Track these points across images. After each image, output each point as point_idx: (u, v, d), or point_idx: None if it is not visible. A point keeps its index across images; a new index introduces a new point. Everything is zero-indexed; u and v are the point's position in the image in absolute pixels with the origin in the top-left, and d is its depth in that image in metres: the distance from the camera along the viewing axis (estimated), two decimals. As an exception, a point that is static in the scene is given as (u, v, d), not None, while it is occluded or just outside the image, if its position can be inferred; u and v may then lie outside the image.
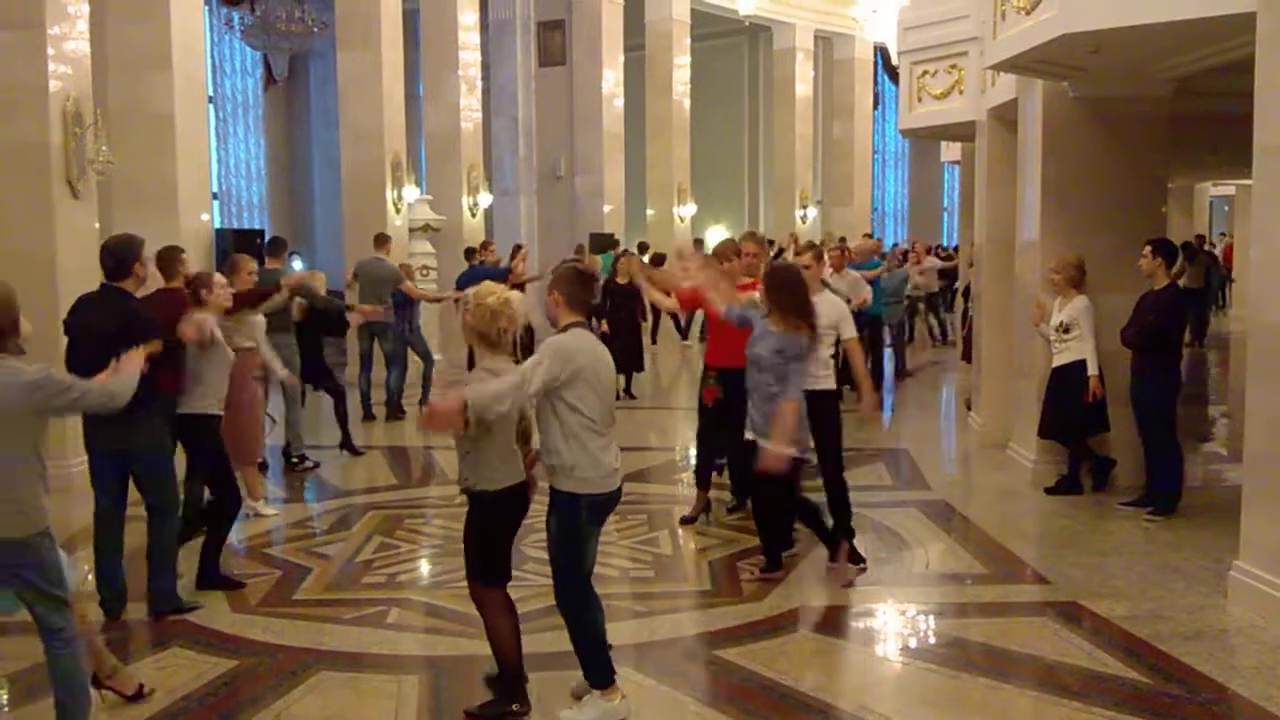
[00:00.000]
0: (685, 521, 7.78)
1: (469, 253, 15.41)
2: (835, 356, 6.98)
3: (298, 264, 16.30)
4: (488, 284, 4.84)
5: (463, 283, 13.82)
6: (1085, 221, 8.58)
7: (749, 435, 6.30)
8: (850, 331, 6.80)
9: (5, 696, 5.17)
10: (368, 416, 12.16)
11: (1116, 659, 5.35)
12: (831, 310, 6.73)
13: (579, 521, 4.63)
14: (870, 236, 20.94)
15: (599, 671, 4.70)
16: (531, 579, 6.58)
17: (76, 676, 4.39)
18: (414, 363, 12.79)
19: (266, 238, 13.11)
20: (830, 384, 6.80)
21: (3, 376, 4.12)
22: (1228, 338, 20.71)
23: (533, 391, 4.43)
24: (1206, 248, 22.69)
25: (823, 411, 6.58)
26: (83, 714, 4.40)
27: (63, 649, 4.33)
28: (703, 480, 7.94)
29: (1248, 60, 6.00)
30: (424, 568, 7.17)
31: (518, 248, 14.67)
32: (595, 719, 4.66)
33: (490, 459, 4.62)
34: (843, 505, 6.87)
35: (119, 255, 5.86)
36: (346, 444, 10.30)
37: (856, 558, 6.68)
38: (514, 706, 4.78)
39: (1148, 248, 7.86)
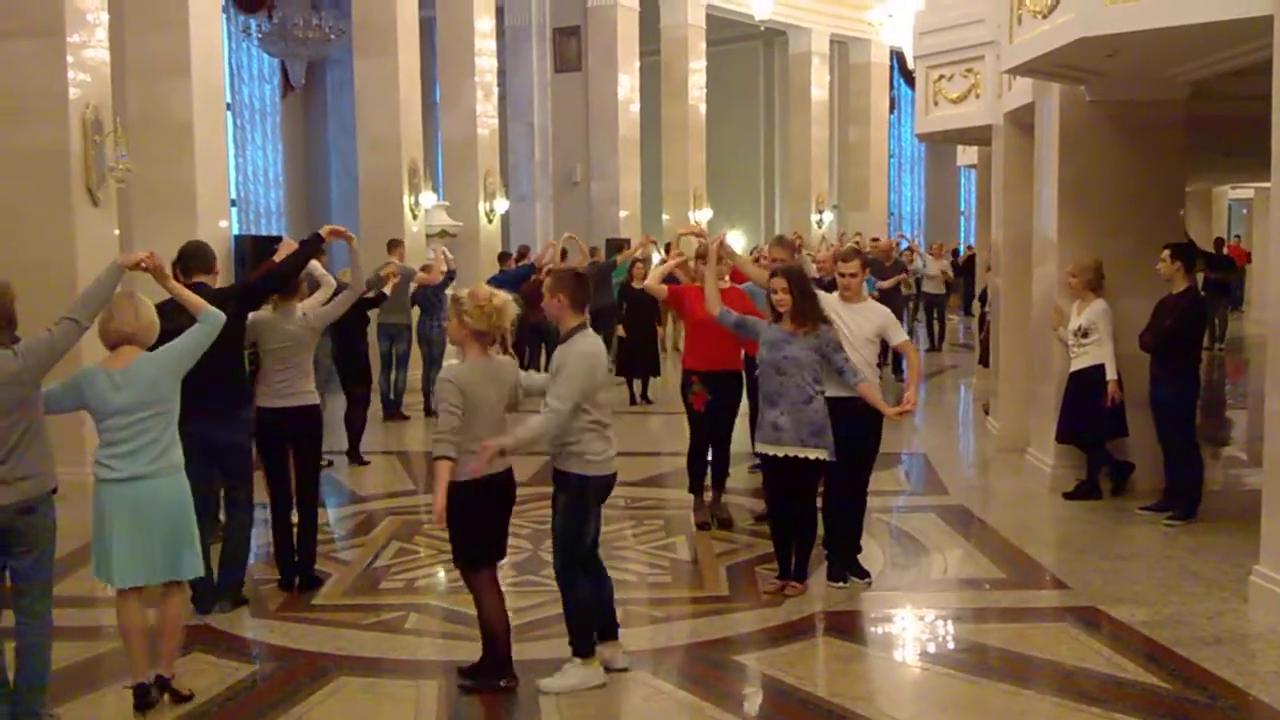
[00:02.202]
0: (702, 528, 7.77)
1: (503, 257, 16.19)
2: (883, 364, 7.01)
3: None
4: (485, 286, 5.26)
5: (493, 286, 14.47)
6: (1103, 225, 8.56)
7: (773, 450, 6.18)
8: (900, 336, 6.58)
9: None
10: (389, 417, 12.32)
11: (1136, 664, 5.33)
12: (875, 318, 6.51)
13: (586, 500, 5.11)
14: (876, 241, 20.66)
15: (581, 640, 5.09)
16: (551, 584, 6.58)
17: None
18: (415, 367, 12.94)
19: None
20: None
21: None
22: (1241, 340, 20.63)
23: (569, 411, 4.88)
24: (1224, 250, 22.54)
25: (865, 421, 6.36)
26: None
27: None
28: (701, 485, 7.91)
29: (1265, 63, 5.99)
30: (442, 573, 7.16)
31: (550, 246, 15.09)
32: (574, 684, 5.02)
33: (470, 449, 4.83)
34: (856, 522, 6.67)
35: (203, 253, 6.25)
36: (353, 453, 10.32)
37: (861, 572, 6.57)
38: (501, 681, 5.07)
39: (1166, 251, 7.84)
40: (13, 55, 9.01)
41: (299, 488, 6.60)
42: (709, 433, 7.80)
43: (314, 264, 7.12)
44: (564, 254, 14.93)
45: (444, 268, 13.30)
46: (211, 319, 5.09)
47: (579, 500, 5.08)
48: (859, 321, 6.39)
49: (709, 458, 7.91)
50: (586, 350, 4.97)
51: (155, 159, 10.64)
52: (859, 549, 6.66)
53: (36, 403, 4.63)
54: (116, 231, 9.73)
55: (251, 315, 6.37)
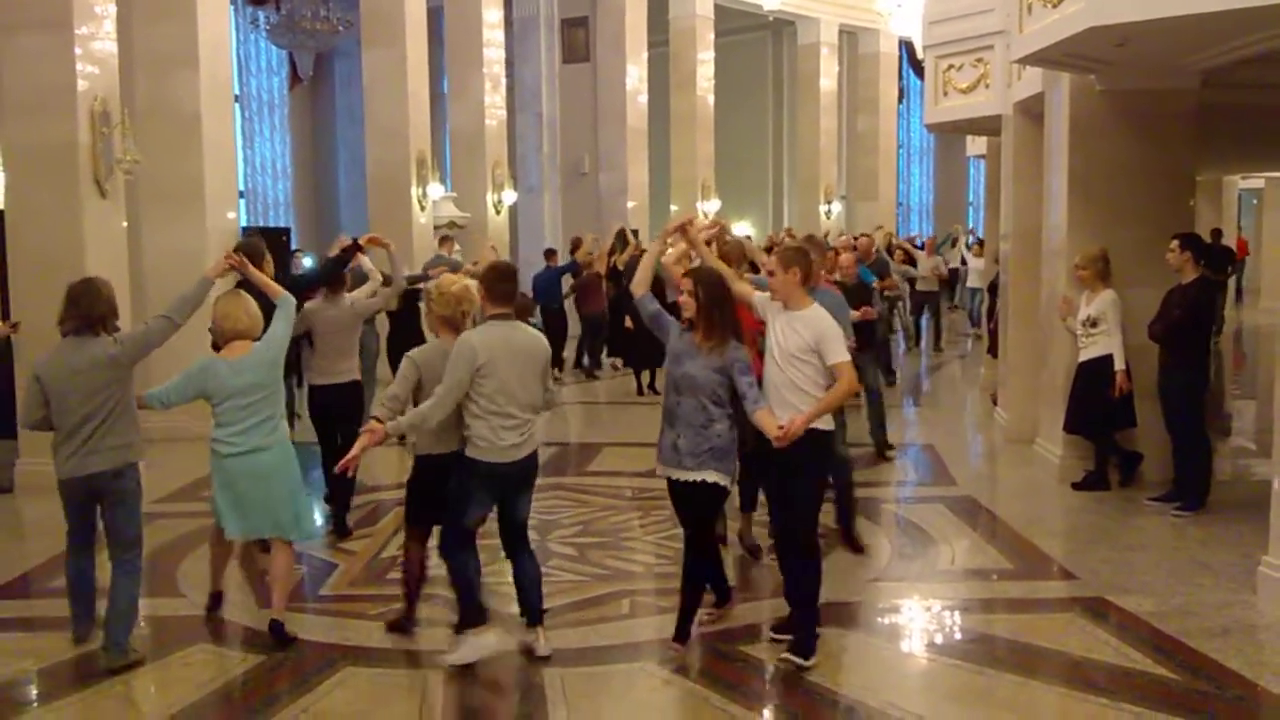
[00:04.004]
0: (752, 552, 6.91)
1: (549, 253, 16.76)
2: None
3: (308, 261, 16.38)
4: (448, 275, 5.84)
5: (539, 282, 15.58)
6: (1112, 215, 8.53)
7: (670, 473, 5.36)
8: (836, 356, 5.16)
9: (34, 692, 5.23)
10: None
11: (1144, 655, 5.32)
12: (809, 330, 5.21)
13: (471, 482, 5.25)
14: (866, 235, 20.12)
15: (466, 611, 5.33)
16: (558, 575, 6.62)
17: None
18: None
19: (293, 235, 13.37)
20: (827, 421, 5.30)
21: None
22: (1238, 330, 20.56)
23: (446, 400, 5.12)
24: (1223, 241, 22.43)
25: (796, 459, 5.19)
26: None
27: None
28: (752, 501, 6.91)
29: (1277, 52, 5.96)
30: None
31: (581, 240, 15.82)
32: (468, 655, 5.24)
33: (426, 432, 5.39)
34: (805, 589, 5.36)
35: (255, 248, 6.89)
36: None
37: (803, 652, 5.24)
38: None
39: (1175, 242, 7.81)
40: (21, 48, 9.03)
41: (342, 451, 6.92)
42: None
43: (363, 260, 7.96)
44: (613, 246, 15.25)
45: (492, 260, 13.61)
46: (286, 302, 5.95)
47: (465, 480, 5.26)
48: (788, 333, 5.21)
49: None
50: (465, 342, 5.17)
51: (163, 151, 10.64)
52: (813, 622, 5.36)
53: (128, 384, 5.47)
54: (125, 223, 9.75)
55: (306, 306, 7.28)
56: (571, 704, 4.87)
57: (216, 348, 5.94)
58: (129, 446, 5.45)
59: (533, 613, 5.46)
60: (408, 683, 5.24)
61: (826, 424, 5.28)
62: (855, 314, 7.77)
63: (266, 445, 5.64)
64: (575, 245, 16.15)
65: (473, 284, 5.55)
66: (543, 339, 5.46)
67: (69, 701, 5.02)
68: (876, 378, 9.76)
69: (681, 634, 5.43)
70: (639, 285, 5.62)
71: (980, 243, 20.25)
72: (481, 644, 5.29)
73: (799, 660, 5.17)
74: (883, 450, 9.76)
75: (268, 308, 5.94)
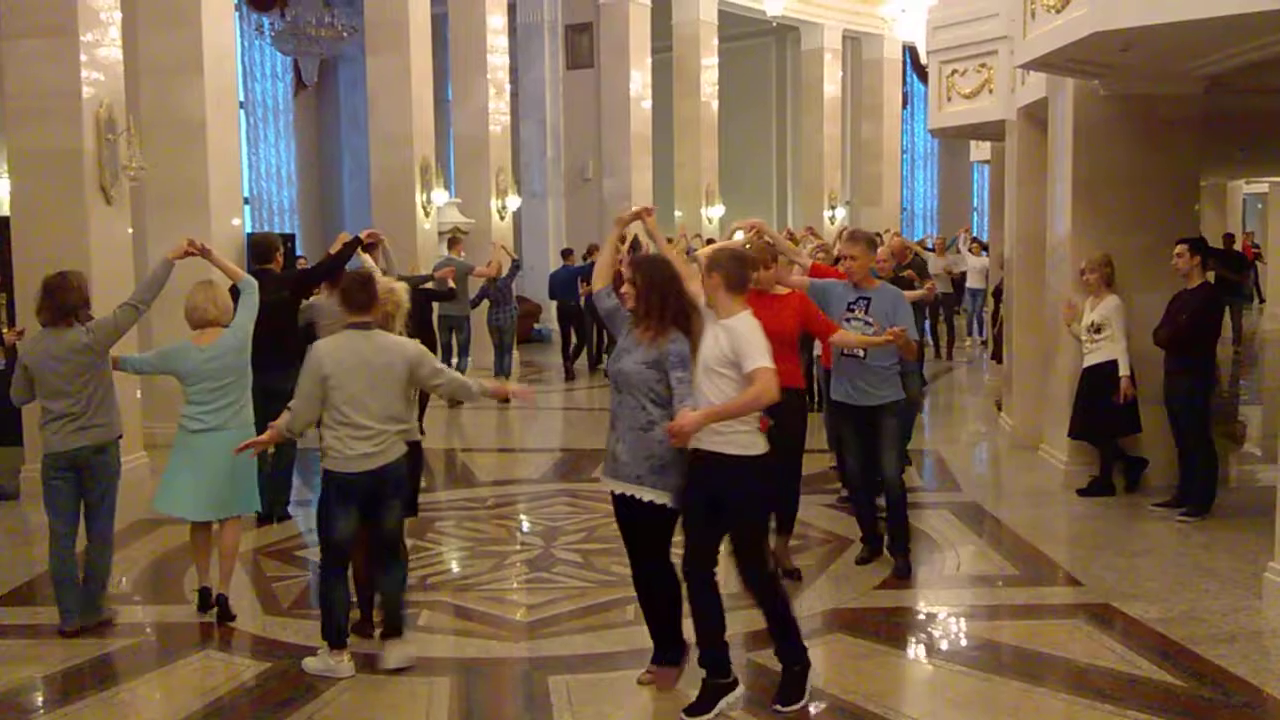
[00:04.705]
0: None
1: (565, 253, 17.69)
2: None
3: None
4: (384, 279, 5.97)
5: (556, 280, 16.66)
6: (1117, 220, 8.52)
7: (611, 485, 4.95)
8: (753, 363, 4.63)
9: (39, 699, 5.23)
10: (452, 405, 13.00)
11: (1150, 662, 5.31)
12: (726, 338, 4.73)
13: (328, 495, 5.31)
14: (897, 235, 20.22)
15: (325, 627, 5.33)
16: (563, 581, 6.62)
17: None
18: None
19: (298, 241, 13.49)
20: (750, 446, 4.75)
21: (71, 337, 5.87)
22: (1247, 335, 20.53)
23: (299, 411, 5.30)
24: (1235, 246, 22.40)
25: (726, 472, 4.72)
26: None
27: None
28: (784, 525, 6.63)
29: (1280, 57, 5.95)
30: (454, 570, 7.19)
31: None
32: (318, 668, 5.28)
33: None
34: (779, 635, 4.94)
35: (268, 244, 7.97)
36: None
37: (713, 700, 4.81)
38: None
39: (1184, 246, 7.79)
40: (26, 54, 9.04)
41: None
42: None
43: (365, 257, 8.24)
44: (634, 245, 15.33)
45: (506, 262, 14.44)
46: (248, 285, 6.33)
47: (323, 495, 5.35)
48: (709, 343, 4.77)
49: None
50: (312, 352, 5.31)
51: (168, 157, 10.65)
52: (792, 658, 4.93)
53: (105, 368, 5.96)
54: (130, 230, 9.74)
55: (309, 300, 7.91)
56: (576, 710, 4.87)
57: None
58: (110, 425, 5.98)
59: (388, 627, 5.45)
60: (412, 689, 5.22)
61: (752, 448, 4.74)
62: (916, 293, 7.81)
63: (231, 426, 6.04)
64: (590, 251, 16.83)
65: (399, 286, 5.84)
66: (405, 347, 5.34)
67: (73, 709, 5.01)
68: (920, 389, 9.22)
69: (668, 654, 5.08)
70: (598, 279, 5.24)
71: (978, 240, 20.25)
72: (331, 666, 5.27)
73: (785, 709, 4.81)
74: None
75: (291, 301, 6.96)
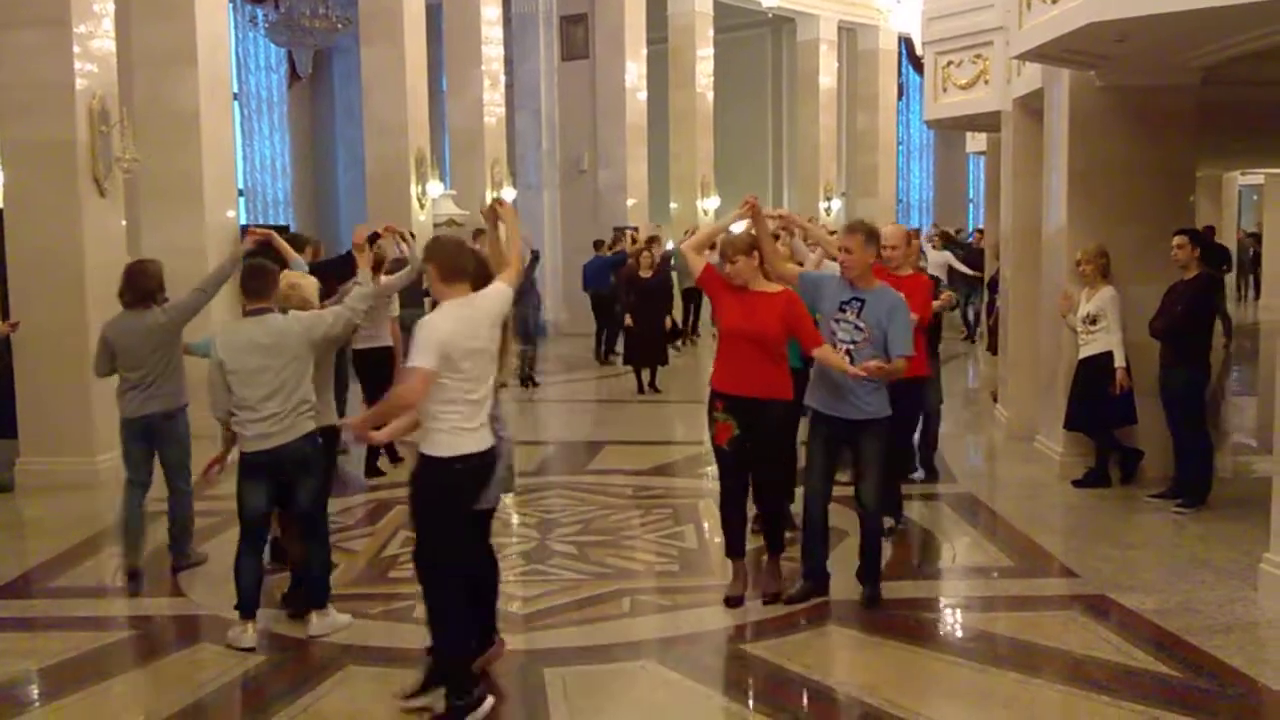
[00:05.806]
0: (731, 603, 5.99)
1: (597, 244, 17.61)
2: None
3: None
4: (291, 273, 6.31)
5: (588, 271, 16.82)
6: (1112, 211, 8.51)
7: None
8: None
9: (36, 692, 5.23)
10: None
11: (1145, 653, 5.31)
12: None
13: (239, 474, 5.63)
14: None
15: (238, 603, 5.59)
16: (559, 573, 6.62)
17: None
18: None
19: (291, 232, 13.46)
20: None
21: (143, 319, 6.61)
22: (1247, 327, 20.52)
23: (212, 397, 5.61)
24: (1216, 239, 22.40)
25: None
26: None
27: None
28: (736, 547, 6.14)
29: (1277, 48, 5.94)
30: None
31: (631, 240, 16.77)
32: (229, 638, 5.52)
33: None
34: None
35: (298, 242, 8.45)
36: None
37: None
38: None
39: (1184, 238, 7.78)
40: (19, 45, 9.02)
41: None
42: (739, 478, 5.99)
43: (405, 248, 8.64)
44: (650, 240, 15.54)
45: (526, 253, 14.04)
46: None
47: (238, 471, 5.66)
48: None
49: (749, 511, 6.20)
50: (212, 338, 5.72)
51: (162, 149, 10.63)
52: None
53: (176, 345, 6.69)
54: (123, 221, 9.73)
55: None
56: (572, 703, 4.87)
57: None
58: (177, 393, 6.71)
59: (310, 599, 5.75)
60: (409, 681, 5.21)
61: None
62: (937, 302, 7.75)
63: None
64: (616, 242, 17.29)
65: (304, 281, 6.17)
66: (296, 320, 5.66)
67: (70, 701, 5.01)
68: (940, 395, 8.84)
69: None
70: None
71: (944, 233, 20.33)
72: (233, 635, 5.55)
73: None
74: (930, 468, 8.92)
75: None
